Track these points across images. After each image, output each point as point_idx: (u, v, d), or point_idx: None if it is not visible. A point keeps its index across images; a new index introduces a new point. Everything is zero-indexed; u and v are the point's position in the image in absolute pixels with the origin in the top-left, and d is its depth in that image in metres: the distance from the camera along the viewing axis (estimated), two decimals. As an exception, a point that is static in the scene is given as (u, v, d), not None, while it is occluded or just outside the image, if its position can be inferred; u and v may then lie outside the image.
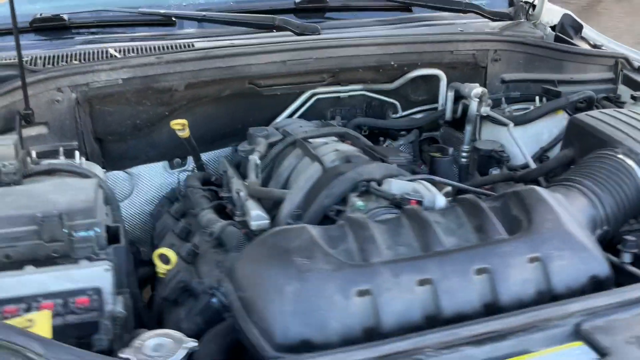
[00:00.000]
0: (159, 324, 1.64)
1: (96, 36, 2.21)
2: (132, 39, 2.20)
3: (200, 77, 2.01)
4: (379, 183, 1.56)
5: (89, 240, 1.39)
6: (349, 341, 1.11)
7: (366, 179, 1.56)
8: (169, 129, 2.19)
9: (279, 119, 2.31)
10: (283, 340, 1.10)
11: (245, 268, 1.25)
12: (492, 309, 1.18)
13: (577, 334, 1.07)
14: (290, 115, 2.33)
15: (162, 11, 2.22)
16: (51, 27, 2.21)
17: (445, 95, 2.32)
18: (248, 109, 2.27)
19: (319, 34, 2.22)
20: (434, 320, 1.15)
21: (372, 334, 1.13)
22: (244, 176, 1.94)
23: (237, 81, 2.10)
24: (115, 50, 2.04)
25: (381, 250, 1.21)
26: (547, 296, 1.22)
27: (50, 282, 1.33)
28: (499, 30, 2.41)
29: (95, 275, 1.35)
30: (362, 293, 1.14)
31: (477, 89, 2.09)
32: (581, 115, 1.82)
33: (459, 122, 2.31)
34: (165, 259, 1.51)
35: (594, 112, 1.83)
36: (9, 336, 1.00)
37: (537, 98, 2.24)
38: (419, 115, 2.43)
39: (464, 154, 2.15)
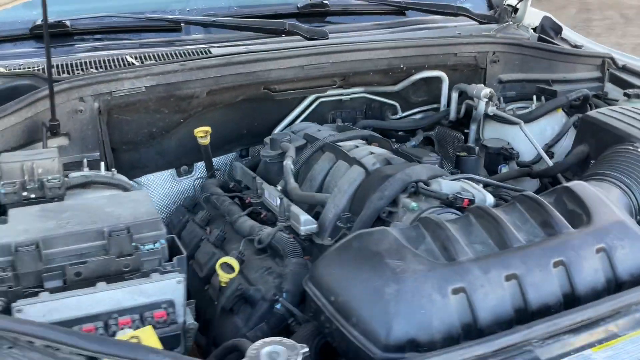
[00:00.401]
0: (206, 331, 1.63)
1: (102, 43, 2.15)
2: (141, 45, 2.14)
3: (222, 84, 1.99)
4: (426, 184, 1.61)
5: (156, 252, 1.38)
6: (450, 338, 1.16)
7: (415, 180, 1.60)
8: (178, 137, 2.17)
9: (283, 124, 2.32)
10: (390, 341, 1.13)
11: (334, 272, 1.27)
12: (570, 299, 1.26)
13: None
14: (295, 119, 2.35)
15: (170, 17, 2.18)
16: (53, 34, 2.11)
17: (447, 96, 2.41)
18: (253, 114, 2.27)
19: (327, 38, 2.25)
20: (523, 313, 1.21)
21: (470, 330, 1.18)
22: (268, 181, 1.95)
23: (253, 86, 2.10)
24: (132, 57, 1.98)
25: (464, 248, 1.26)
26: (614, 284, 1.30)
27: (124, 298, 1.30)
28: (493, 33, 2.51)
29: (168, 287, 1.34)
30: (456, 291, 1.19)
31: (485, 90, 2.18)
32: (593, 113, 1.94)
33: (455, 122, 2.41)
34: (228, 268, 1.50)
35: (604, 110, 1.95)
36: (130, 354, 0.98)
37: (534, 97, 2.35)
38: (418, 116, 2.51)
39: (469, 153, 2.24)
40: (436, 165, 1.73)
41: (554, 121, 2.29)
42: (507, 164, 2.21)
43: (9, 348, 1.01)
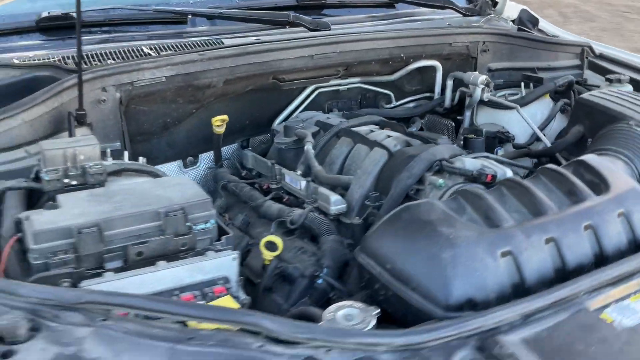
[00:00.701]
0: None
1: (111, 35, 2.15)
2: (149, 37, 2.16)
3: (236, 73, 2.04)
4: (449, 162, 1.71)
5: (208, 232, 1.42)
6: (502, 297, 1.26)
7: (439, 159, 1.70)
8: (186, 128, 2.20)
9: (285, 114, 2.39)
10: (450, 301, 1.22)
11: (387, 243, 1.35)
12: (599, 259, 1.38)
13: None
14: (295, 110, 2.42)
15: (178, 9, 2.21)
16: (59, 27, 2.11)
17: (441, 85, 2.53)
18: (255, 105, 2.32)
19: (330, 29, 2.32)
20: (561, 273, 1.33)
21: (518, 290, 1.28)
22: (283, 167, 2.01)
23: (264, 76, 2.15)
24: (148, 48, 2.01)
25: (505, 216, 1.36)
26: (634, 244, 1.44)
27: (184, 275, 1.35)
28: (482, 24, 2.65)
29: (224, 264, 1.39)
30: (504, 254, 1.29)
31: (482, 77, 2.31)
32: (587, 96, 2.09)
33: (449, 109, 2.53)
34: (271, 247, 1.56)
35: (597, 93, 2.11)
36: (237, 317, 1.03)
37: (522, 84, 2.50)
38: (412, 105, 2.62)
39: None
40: (455, 145, 1.83)
41: (543, 106, 2.43)
42: (502, 146, 2.35)
43: (103, 320, 1.05)
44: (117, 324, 1.04)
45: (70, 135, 1.74)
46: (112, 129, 1.88)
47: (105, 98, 1.83)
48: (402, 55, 2.34)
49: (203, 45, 2.11)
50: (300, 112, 2.40)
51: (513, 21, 2.93)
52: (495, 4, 2.92)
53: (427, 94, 2.63)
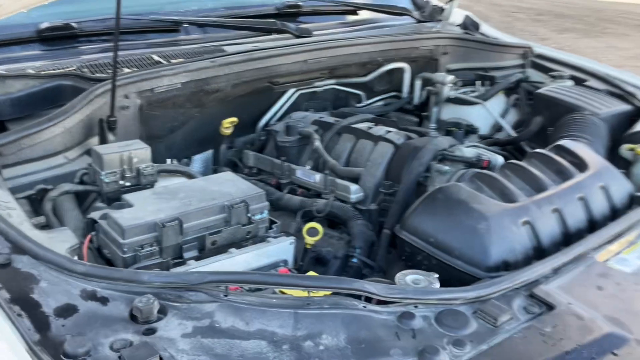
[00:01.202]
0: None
1: (111, 44, 2.22)
2: (148, 46, 2.26)
3: (242, 78, 2.19)
4: (450, 151, 1.97)
5: (264, 221, 1.59)
6: (527, 259, 1.52)
7: (442, 149, 1.96)
8: (184, 131, 2.32)
9: (269, 115, 2.56)
10: (489, 263, 1.47)
11: (428, 220, 1.58)
12: (592, 224, 1.68)
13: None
14: (278, 111, 2.60)
15: (175, 18, 2.32)
16: (61, 37, 2.17)
17: (409, 84, 2.81)
18: (243, 107, 2.48)
19: (312, 35, 2.53)
20: (567, 236, 1.62)
21: (537, 251, 1.55)
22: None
23: (262, 80, 2.32)
24: (157, 56, 2.11)
25: (518, 192, 1.63)
26: (612, 210, 1.76)
27: (252, 260, 1.51)
28: (439, 29, 2.95)
29: (283, 249, 1.57)
30: (524, 223, 1.56)
31: (450, 77, 2.60)
32: (544, 90, 2.43)
33: (418, 106, 2.81)
34: (313, 232, 1.74)
35: (552, 88, 2.46)
36: (343, 283, 1.22)
37: (479, 82, 2.82)
38: (379, 103, 2.88)
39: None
40: (451, 137, 2.10)
41: (498, 101, 2.76)
42: (467, 137, 2.65)
43: (225, 296, 1.20)
44: (239, 298, 1.20)
45: (103, 140, 1.83)
46: (133, 134, 1.98)
47: (128, 104, 1.93)
48: (379, 59, 2.59)
49: (207, 53, 2.24)
50: (282, 113, 2.59)
51: (459, 26, 3.26)
52: (442, 10, 3.24)
53: (394, 93, 2.89)
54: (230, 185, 1.61)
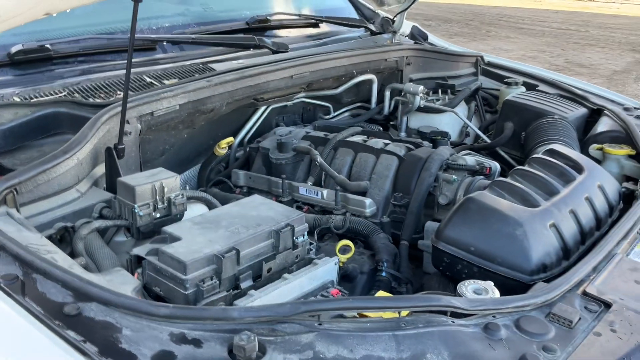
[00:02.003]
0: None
1: (89, 65, 2.10)
2: (140, 65, 2.15)
3: (235, 97, 2.15)
4: (453, 160, 2.04)
5: (306, 243, 1.57)
6: (558, 259, 1.62)
7: (446, 159, 2.02)
8: (167, 153, 2.24)
9: (244, 131, 2.53)
10: (532, 267, 1.55)
11: (464, 229, 1.63)
12: (598, 221, 1.81)
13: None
14: (252, 127, 2.57)
15: (153, 36, 2.22)
16: (36, 59, 2.01)
17: (376, 95, 2.87)
18: (221, 125, 2.44)
19: (288, 50, 2.52)
20: (582, 235, 1.73)
21: (565, 252, 1.65)
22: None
23: (249, 98, 2.28)
24: (148, 76, 2.02)
25: (537, 197, 1.73)
26: (610, 207, 1.90)
27: (305, 284, 1.49)
28: (399, 40, 3.04)
29: (329, 270, 1.56)
30: (551, 226, 1.65)
31: (420, 87, 2.68)
32: (512, 98, 2.58)
33: (387, 116, 2.88)
34: (345, 250, 1.74)
35: (520, 95, 2.61)
36: (432, 301, 1.24)
37: (440, 91, 2.94)
38: (346, 114, 2.92)
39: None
40: (449, 146, 2.17)
41: (460, 108, 2.89)
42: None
43: (319, 325, 1.18)
44: (334, 325, 1.18)
45: (112, 170, 1.72)
46: (133, 160, 1.88)
47: (130, 130, 1.83)
48: (354, 71, 2.63)
49: (196, 71, 2.17)
50: (256, 129, 2.56)
51: (407, 36, 3.38)
52: (393, 21, 3.33)
53: (360, 104, 2.95)
54: (266, 209, 1.58)
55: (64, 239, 1.52)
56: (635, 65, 10.47)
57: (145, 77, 2.03)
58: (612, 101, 2.70)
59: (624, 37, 13.73)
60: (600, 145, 2.32)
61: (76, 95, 1.87)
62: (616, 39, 13.43)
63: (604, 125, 2.45)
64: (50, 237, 1.48)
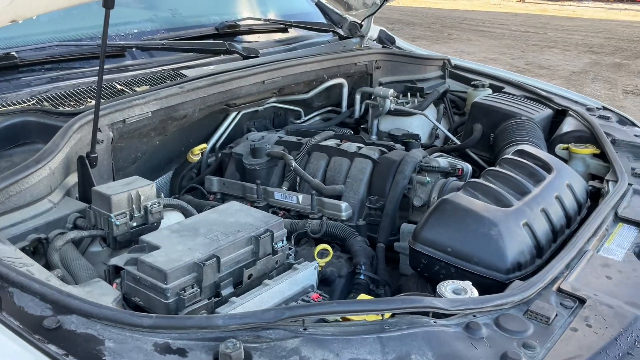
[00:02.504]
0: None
1: (58, 73, 2.05)
2: (110, 72, 2.12)
3: (207, 103, 2.13)
4: (426, 162, 2.07)
5: (285, 248, 1.57)
6: (532, 258, 1.65)
7: (419, 161, 2.05)
8: (140, 160, 2.21)
9: (215, 137, 2.52)
10: (508, 266, 1.58)
11: (441, 231, 1.65)
12: (567, 219, 1.86)
13: (617, 218, 1.83)
14: (224, 132, 2.56)
15: (122, 43, 2.19)
16: (0, 68, 1.96)
17: (346, 99, 2.89)
18: (192, 131, 2.42)
19: (259, 55, 2.52)
20: (554, 233, 1.77)
21: (537, 250, 1.69)
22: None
23: (221, 104, 2.26)
24: (118, 83, 1.99)
25: (509, 197, 1.76)
26: (579, 205, 1.95)
27: (286, 289, 1.49)
28: (367, 45, 3.06)
29: (309, 274, 1.57)
30: (524, 225, 1.69)
31: (391, 90, 2.71)
32: (480, 100, 2.63)
33: (358, 119, 2.91)
34: (323, 254, 1.74)
35: (488, 97, 2.66)
36: (415, 303, 1.26)
37: (409, 94, 2.97)
38: (317, 119, 2.93)
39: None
40: (421, 149, 2.20)
41: (429, 111, 2.93)
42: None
43: (304, 330, 1.18)
44: (319, 330, 1.18)
45: (85, 179, 1.69)
46: (105, 169, 1.85)
47: (102, 138, 1.80)
48: (325, 76, 2.64)
49: (167, 77, 2.15)
50: (228, 134, 2.55)
51: (375, 40, 3.41)
52: (361, 26, 3.36)
53: (330, 108, 2.96)
54: (245, 216, 1.57)
55: (37, 250, 1.48)
56: (593, 66, 10.78)
57: (116, 84, 2.00)
58: (576, 102, 2.78)
59: (580, 39, 14.13)
60: (566, 145, 2.38)
61: (45, 103, 1.84)
62: (573, 41, 13.81)
63: (568, 125, 2.51)
64: (23, 249, 1.45)
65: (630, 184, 1.99)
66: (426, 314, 1.27)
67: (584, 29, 15.91)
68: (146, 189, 1.55)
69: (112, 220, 1.47)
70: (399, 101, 2.89)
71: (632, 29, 16.17)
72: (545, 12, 20.13)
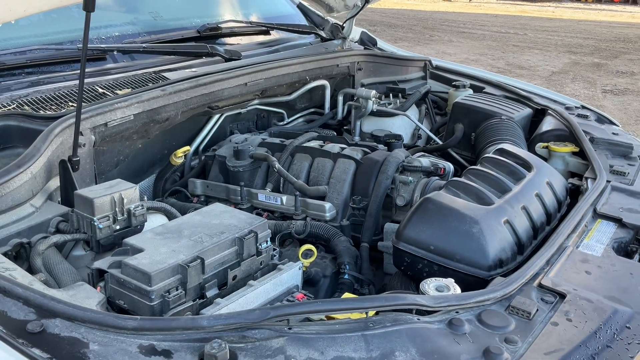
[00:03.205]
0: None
1: (38, 77, 2.04)
2: (91, 75, 2.11)
3: (190, 105, 2.13)
4: (408, 162, 2.09)
5: (269, 249, 1.58)
6: (513, 254, 1.68)
7: (402, 161, 2.07)
8: (122, 163, 2.21)
9: (198, 140, 2.52)
10: (489, 263, 1.60)
11: (424, 229, 1.67)
12: (547, 215, 1.89)
13: (596, 215, 1.86)
14: (207, 135, 2.56)
15: (103, 46, 2.18)
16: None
17: (329, 100, 2.90)
18: (175, 134, 2.42)
19: (241, 57, 2.52)
20: (535, 230, 1.80)
21: (518, 247, 1.71)
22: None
23: (203, 106, 2.27)
24: (100, 87, 1.98)
25: (490, 195, 1.79)
26: (559, 202, 1.98)
27: (271, 290, 1.50)
28: (349, 47, 3.08)
29: (294, 274, 1.58)
30: (505, 222, 1.71)
31: (373, 92, 2.73)
32: (461, 100, 2.65)
33: (341, 120, 2.92)
34: (307, 254, 1.75)
35: (468, 97, 2.68)
36: (398, 300, 1.27)
37: (391, 95, 2.99)
38: (300, 120, 2.94)
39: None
40: (403, 149, 2.21)
41: (411, 111, 2.96)
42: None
43: (289, 329, 1.19)
44: (304, 329, 1.19)
45: (67, 183, 1.68)
46: (87, 172, 1.84)
47: (83, 142, 1.80)
48: (307, 77, 2.65)
49: (148, 80, 2.15)
50: (210, 137, 2.55)
51: (356, 42, 3.43)
52: (342, 28, 3.38)
53: (313, 110, 2.97)
54: (229, 217, 1.58)
55: (19, 255, 1.48)
56: (572, 66, 10.91)
57: (97, 87, 2.00)
58: (555, 101, 2.82)
59: (560, 39, 14.30)
60: (545, 144, 2.42)
61: (26, 107, 1.83)
62: (553, 41, 13.97)
63: (548, 124, 2.55)
64: (5, 254, 1.44)
65: (608, 181, 2.03)
66: (410, 311, 1.28)
67: (563, 30, 16.10)
68: (129, 192, 1.55)
69: (95, 223, 1.47)
70: (381, 102, 2.91)
71: (610, 29, 16.40)
72: (525, 13, 20.34)
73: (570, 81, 9.65)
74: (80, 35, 2.21)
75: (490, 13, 20.48)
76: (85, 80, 2.06)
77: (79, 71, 2.13)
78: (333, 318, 1.29)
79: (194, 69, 2.28)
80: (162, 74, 2.19)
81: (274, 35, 3.05)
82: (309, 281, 1.81)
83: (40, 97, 1.91)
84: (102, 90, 1.99)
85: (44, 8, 1.74)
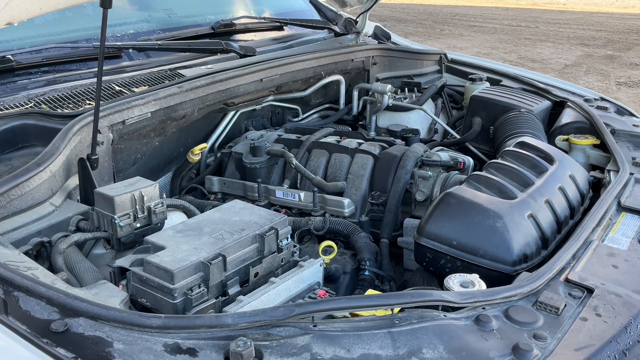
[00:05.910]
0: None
1: (55, 75, 2.04)
2: (96, 75, 2.10)
3: (206, 102, 2.12)
4: (427, 157, 2.06)
5: (290, 246, 1.56)
6: (538, 249, 1.65)
7: (420, 155, 2.04)
8: (139, 161, 2.20)
9: (214, 136, 2.51)
10: (514, 258, 1.58)
11: (446, 224, 1.64)
12: (571, 209, 1.86)
13: (621, 208, 1.83)
14: (222, 131, 2.55)
15: (119, 44, 2.18)
16: (-4, 71, 1.94)
17: (344, 95, 2.88)
18: (191, 132, 2.41)
19: (256, 54, 2.51)
20: (559, 224, 1.77)
21: (543, 241, 1.68)
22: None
23: (219, 103, 2.25)
24: (117, 85, 1.97)
25: (513, 189, 1.76)
26: (582, 195, 1.95)
27: (292, 287, 1.48)
28: (363, 41, 3.05)
29: (315, 271, 1.56)
30: (529, 216, 1.68)
31: (389, 86, 2.70)
32: (479, 93, 2.62)
33: (356, 115, 2.90)
34: (327, 251, 1.73)
35: (486, 90, 2.65)
36: (424, 296, 1.25)
37: (406, 89, 2.96)
38: (315, 116, 2.92)
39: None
40: (421, 143, 2.19)
41: (427, 105, 2.93)
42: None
43: (314, 326, 1.17)
44: (329, 326, 1.18)
45: (86, 181, 1.67)
46: (106, 170, 1.84)
47: (102, 140, 1.79)
48: (322, 73, 2.63)
49: (165, 78, 2.14)
50: (226, 134, 2.54)
51: (370, 36, 3.40)
52: (356, 22, 3.35)
53: (327, 105, 2.95)
54: (249, 214, 1.56)
55: (40, 254, 1.47)
56: (585, 59, 10.80)
57: (114, 85, 1.99)
58: (573, 93, 2.77)
59: (572, 32, 14.16)
60: (565, 136, 2.38)
61: (43, 106, 1.82)
62: (565, 34, 13.84)
63: (567, 116, 2.51)
64: (27, 253, 1.43)
65: (631, 173, 1.99)
66: (435, 307, 1.26)
67: (575, 22, 15.95)
68: (149, 190, 1.53)
69: (116, 221, 1.46)
70: (397, 97, 2.88)
71: (623, 21, 16.23)
72: (536, 6, 20.17)
73: (584, 74, 9.55)
74: (95, 33, 2.21)
75: (501, 6, 20.32)
76: (111, 77, 2.06)
77: (95, 69, 2.14)
78: (357, 315, 1.27)
79: (209, 66, 2.26)
80: (178, 71, 2.18)
81: (288, 31, 3.03)
82: (329, 278, 1.79)
83: (57, 95, 1.91)
84: (119, 88, 1.98)
85: (60, 6, 1.73)
